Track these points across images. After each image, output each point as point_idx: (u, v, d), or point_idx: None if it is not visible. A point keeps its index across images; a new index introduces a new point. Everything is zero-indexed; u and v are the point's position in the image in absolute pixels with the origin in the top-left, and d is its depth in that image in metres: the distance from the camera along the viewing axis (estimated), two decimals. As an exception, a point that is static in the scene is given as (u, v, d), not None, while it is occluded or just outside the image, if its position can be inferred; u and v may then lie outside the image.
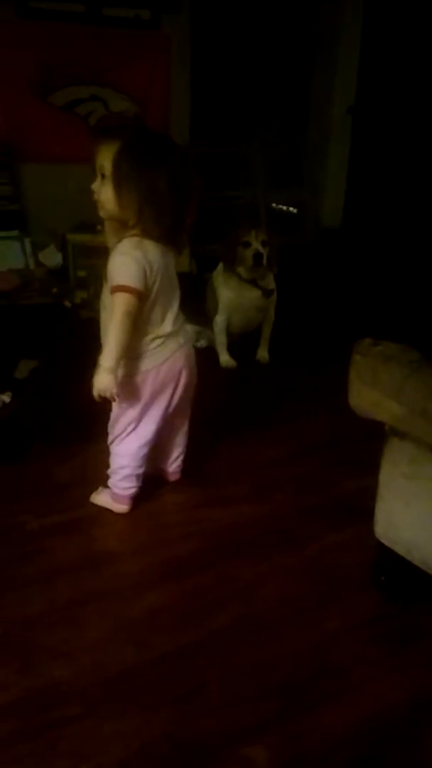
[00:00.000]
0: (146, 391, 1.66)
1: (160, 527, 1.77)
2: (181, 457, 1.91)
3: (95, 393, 1.56)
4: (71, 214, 3.57)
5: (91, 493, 1.84)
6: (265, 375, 2.78)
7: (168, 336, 1.65)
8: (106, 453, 1.79)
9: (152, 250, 1.55)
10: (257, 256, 2.65)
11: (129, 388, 1.64)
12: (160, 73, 4.06)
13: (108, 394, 1.55)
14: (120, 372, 1.58)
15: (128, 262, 1.52)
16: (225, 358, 2.81)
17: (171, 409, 1.73)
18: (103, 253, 1.69)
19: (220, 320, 2.80)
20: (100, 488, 1.83)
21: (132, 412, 1.68)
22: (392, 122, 4.01)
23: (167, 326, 1.64)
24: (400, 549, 1.44)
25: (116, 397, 1.58)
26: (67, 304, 3.37)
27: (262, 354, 2.89)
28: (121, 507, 1.79)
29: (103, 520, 1.77)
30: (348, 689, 1.31)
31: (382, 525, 1.47)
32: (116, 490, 1.78)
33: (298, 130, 4.67)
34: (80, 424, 2.04)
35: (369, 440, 1.50)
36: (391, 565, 1.49)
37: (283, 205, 4.84)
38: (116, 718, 1.22)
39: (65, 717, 1.21)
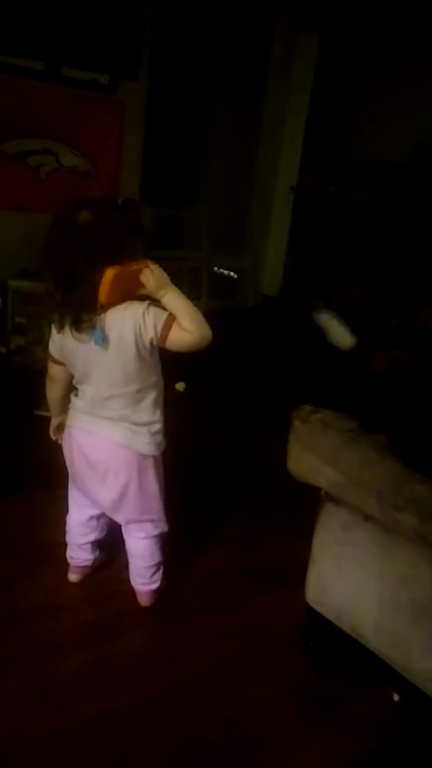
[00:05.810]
0: (66, 449, 1.59)
1: (88, 585, 1.71)
2: (144, 579, 1.65)
3: None
4: (14, 260, 3.55)
5: (22, 546, 1.78)
6: (199, 434, 2.79)
7: (81, 409, 1.52)
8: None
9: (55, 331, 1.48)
10: None
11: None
12: (112, 135, 4.18)
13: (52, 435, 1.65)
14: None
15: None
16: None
17: (89, 491, 1.57)
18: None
19: None
20: None
21: (68, 468, 1.61)
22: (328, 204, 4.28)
23: (82, 400, 1.52)
24: (330, 614, 1.45)
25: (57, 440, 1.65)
26: (2, 349, 3.31)
27: None
28: (70, 575, 1.73)
29: (31, 574, 1.71)
30: (276, 759, 1.30)
31: (314, 590, 1.49)
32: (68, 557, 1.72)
33: (243, 200, 4.88)
34: (25, 472, 1.98)
35: (304, 505, 1.53)
36: (320, 631, 1.50)
37: (224, 269, 4.99)
38: (34, 791, 1.16)
39: (-21, 789, 1.14)
